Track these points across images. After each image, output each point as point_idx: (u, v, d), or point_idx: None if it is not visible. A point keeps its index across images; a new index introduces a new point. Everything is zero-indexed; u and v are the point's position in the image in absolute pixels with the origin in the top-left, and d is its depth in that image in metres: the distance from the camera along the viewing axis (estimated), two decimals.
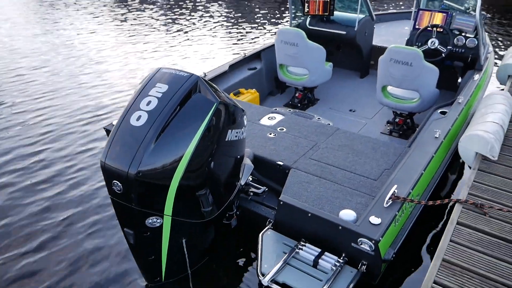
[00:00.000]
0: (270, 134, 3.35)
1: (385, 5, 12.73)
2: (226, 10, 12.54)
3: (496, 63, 6.91)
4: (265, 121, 3.57)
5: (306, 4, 5.21)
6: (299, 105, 4.87)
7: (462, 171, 4.06)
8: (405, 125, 4.29)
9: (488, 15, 10.17)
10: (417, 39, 4.59)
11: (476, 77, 4.11)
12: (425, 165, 2.75)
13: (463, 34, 4.49)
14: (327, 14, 5.23)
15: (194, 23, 10.73)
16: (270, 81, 5.02)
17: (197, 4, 13.71)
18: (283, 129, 3.42)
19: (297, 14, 5.54)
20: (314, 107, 4.89)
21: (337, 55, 5.95)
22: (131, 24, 10.62)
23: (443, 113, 3.65)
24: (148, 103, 2.15)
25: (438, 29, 4.43)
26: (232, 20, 11.13)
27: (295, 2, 5.36)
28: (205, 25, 10.61)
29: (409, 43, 4.69)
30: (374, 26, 5.47)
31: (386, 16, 6.96)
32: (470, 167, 3.07)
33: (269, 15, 11.75)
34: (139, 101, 2.18)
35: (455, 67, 4.27)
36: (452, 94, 5.06)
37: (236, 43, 8.99)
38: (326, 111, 4.78)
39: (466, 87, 3.94)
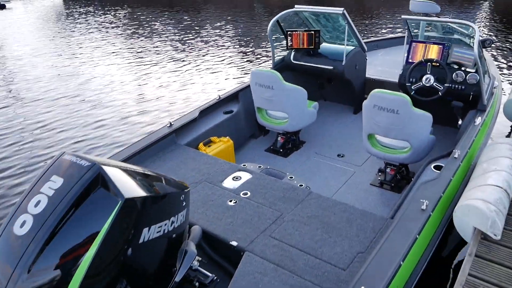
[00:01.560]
0: (231, 201, 2.87)
1: (383, 28, 12.19)
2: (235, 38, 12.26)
3: (504, 92, 6.30)
4: (228, 182, 3.09)
5: (289, 38, 4.77)
6: (281, 150, 4.39)
7: (460, 247, 3.43)
8: (398, 175, 3.76)
9: (495, 40, 9.52)
10: (411, 75, 4.07)
11: (478, 120, 3.56)
12: (405, 252, 2.22)
13: (463, 68, 3.96)
14: (312, 47, 4.78)
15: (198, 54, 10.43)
16: (251, 123, 4.56)
17: (204, 35, 13.49)
18: (246, 194, 2.94)
19: (281, 47, 5.11)
20: (299, 152, 4.39)
21: (328, 89, 5.47)
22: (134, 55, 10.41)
23: (438, 168, 3.11)
24: (37, 204, 1.71)
25: (434, 64, 3.92)
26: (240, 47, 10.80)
27: (274, 34, 4.92)
28: (212, 54, 10.30)
29: (402, 79, 4.18)
30: (367, 58, 4.99)
31: (383, 42, 6.46)
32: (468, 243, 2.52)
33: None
34: (27, 201, 1.73)
35: (454, 107, 3.73)
36: (455, 131, 4.50)
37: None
38: (311, 156, 4.28)
39: (466, 134, 3.39)
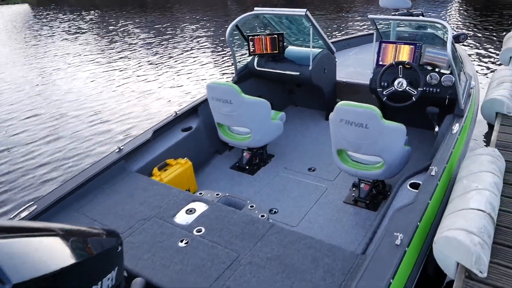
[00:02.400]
0: (182, 241, 2.49)
1: (356, 25, 11.93)
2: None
3: (483, 87, 6.06)
4: (181, 217, 2.71)
5: (251, 43, 4.40)
6: (247, 167, 4.02)
7: (442, 279, 2.95)
8: (374, 189, 3.44)
9: (470, 33, 9.32)
10: (382, 79, 3.76)
11: (456, 128, 3.26)
12: None
13: (437, 70, 3.66)
14: (276, 52, 4.42)
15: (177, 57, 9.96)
16: (214, 139, 4.18)
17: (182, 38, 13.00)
18: (200, 231, 2.57)
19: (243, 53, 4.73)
20: (267, 167, 4.04)
21: (298, 94, 5.13)
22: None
23: (415, 186, 2.80)
24: None
25: (406, 66, 3.61)
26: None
27: (234, 39, 4.54)
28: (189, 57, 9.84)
29: (372, 83, 3.85)
30: (336, 60, 4.66)
31: (354, 40, 6.14)
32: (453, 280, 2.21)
33: None
34: None
35: (429, 114, 3.43)
36: (434, 135, 4.22)
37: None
38: (280, 172, 3.93)
39: (443, 145, 3.09)
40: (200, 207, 2.78)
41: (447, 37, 3.23)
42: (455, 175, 3.04)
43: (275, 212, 3.40)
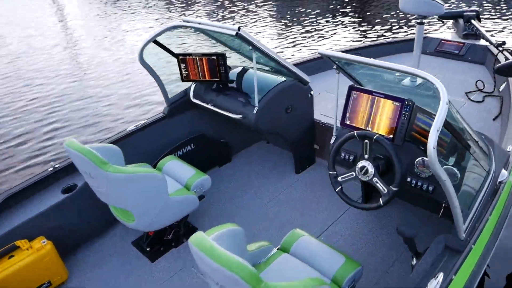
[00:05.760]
0: None
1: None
2: None
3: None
4: None
5: (183, 65, 3.09)
6: (148, 249, 2.84)
7: None
8: None
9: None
10: (337, 152, 2.29)
11: (439, 279, 1.76)
12: None
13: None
14: (217, 80, 3.08)
15: None
16: None
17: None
18: None
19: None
20: (178, 250, 2.83)
21: None
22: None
23: None
24: None
25: (373, 140, 2.11)
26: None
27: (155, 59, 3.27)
28: None
29: (333, 150, 2.39)
30: (312, 92, 3.21)
31: (363, 52, 4.53)
32: None
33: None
34: None
35: (403, 238, 1.95)
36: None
37: None
38: (190, 263, 2.70)
39: None
40: None
41: (439, 109, 1.67)
42: None
43: None
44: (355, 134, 2.11)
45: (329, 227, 2.91)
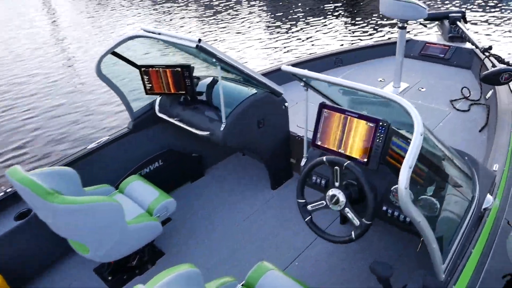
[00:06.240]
0: None
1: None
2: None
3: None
4: None
5: (146, 77, 2.86)
6: (109, 278, 2.62)
7: None
8: None
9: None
10: (305, 179, 2.07)
11: None
12: None
13: None
14: (183, 93, 2.86)
15: None
16: None
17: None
18: None
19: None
20: (143, 278, 2.61)
21: None
22: None
23: None
24: None
25: (344, 168, 1.89)
26: None
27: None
28: None
29: (302, 177, 2.16)
30: (286, 104, 3.00)
31: (350, 55, 4.33)
32: None
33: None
34: None
35: (376, 276, 1.76)
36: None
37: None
38: None
39: None
40: None
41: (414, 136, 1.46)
42: None
43: None
44: (324, 160, 1.90)
45: (304, 251, 2.70)
